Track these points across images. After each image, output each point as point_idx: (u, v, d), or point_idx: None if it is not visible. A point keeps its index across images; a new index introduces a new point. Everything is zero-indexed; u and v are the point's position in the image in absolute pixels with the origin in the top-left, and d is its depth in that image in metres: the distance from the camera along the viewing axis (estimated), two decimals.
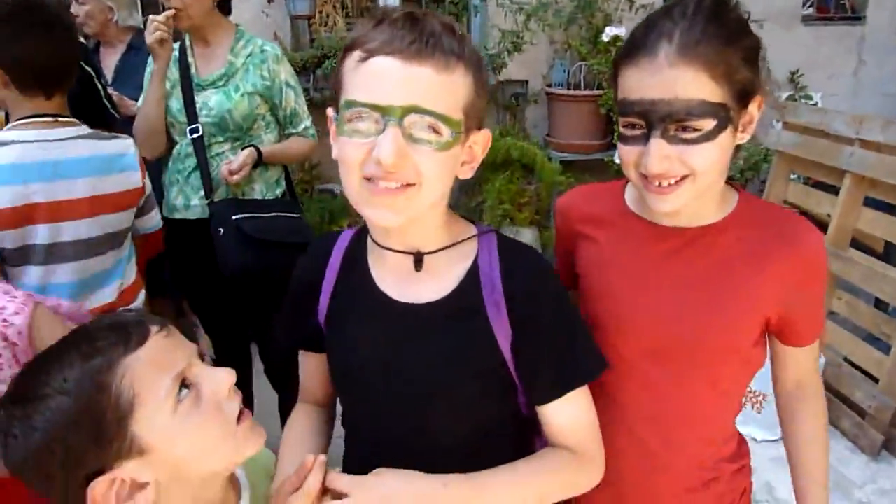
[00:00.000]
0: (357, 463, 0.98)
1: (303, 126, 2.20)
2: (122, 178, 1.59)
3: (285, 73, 2.12)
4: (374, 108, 0.79)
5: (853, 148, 2.78)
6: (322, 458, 0.86)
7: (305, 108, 2.21)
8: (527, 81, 4.33)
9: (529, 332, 0.91)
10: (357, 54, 0.82)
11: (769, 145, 3.41)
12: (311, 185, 4.13)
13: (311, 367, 1.09)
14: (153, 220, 1.80)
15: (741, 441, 1.14)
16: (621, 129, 0.96)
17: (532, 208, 3.94)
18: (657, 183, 0.93)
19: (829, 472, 1.14)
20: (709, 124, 0.89)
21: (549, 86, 4.23)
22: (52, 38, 1.44)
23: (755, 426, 2.57)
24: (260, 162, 2.09)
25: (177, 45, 2.13)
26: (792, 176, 3.32)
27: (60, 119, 1.51)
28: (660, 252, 1.03)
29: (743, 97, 0.92)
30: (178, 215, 2.17)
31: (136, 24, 2.96)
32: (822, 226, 2.93)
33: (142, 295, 1.71)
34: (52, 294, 1.48)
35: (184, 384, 0.80)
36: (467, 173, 0.91)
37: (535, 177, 3.93)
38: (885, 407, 2.56)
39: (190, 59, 2.11)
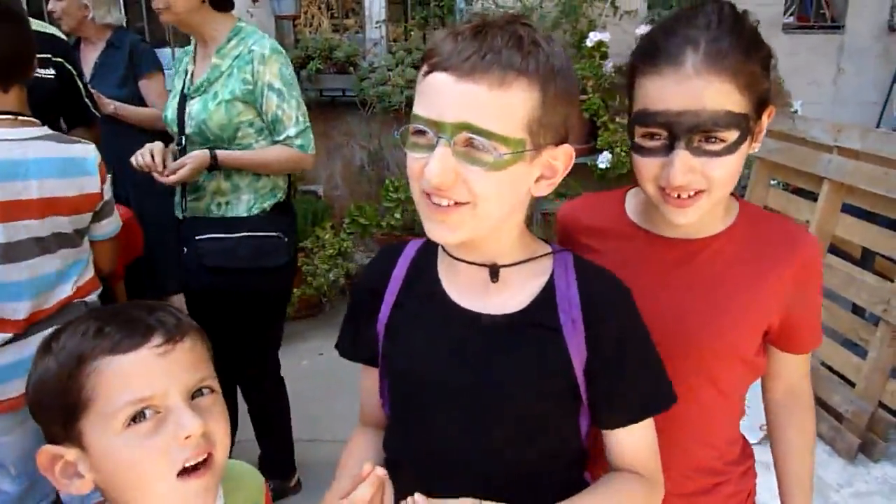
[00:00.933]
0: (402, 490, 0.93)
1: (284, 135, 1.98)
2: (78, 182, 1.57)
3: (270, 74, 1.92)
4: (430, 123, 0.79)
5: (831, 155, 2.82)
6: (381, 471, 0.83)
7: (296, 114, 1.99)
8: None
9: (605, 353, 0.89)
10: (425, 67, 0.81)
11: (749, 152, 3.44)
12: (294, 186, 4.11)
13: (370, 385, 1.05)
14: (109, 226, 1.75)
15: (745, 444, 1.15)
16: (638, 140, 0.93)
17: None
18: (676, 195, 0.92)
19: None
20: (733, 135, 0.88)
21: None
22: (2, 29, 1.44)
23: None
24: (215, 167, 1.94)
25: (192, 48, 2.08)
26: (772, 182, 3.36)
27: (21, 118, 1.52)
28: (664, 263, 1.03)
29: (760, 107, 0.92)
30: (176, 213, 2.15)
31: (114, 21, 2.93)
32: None
33: (94, 295, 1.69)
34: (4, 293, 1.49)
35: (154, 412, 0.77)
36: (544, 190, 0.87)
37: None
38: (862, 411, 2.60)
39: (190, 67, 2.04)
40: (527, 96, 0.79)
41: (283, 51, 2.01)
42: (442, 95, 0.78)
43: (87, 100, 2.20)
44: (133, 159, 1.90)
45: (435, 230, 0.84)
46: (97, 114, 2.23)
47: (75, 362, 0.76)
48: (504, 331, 0.90)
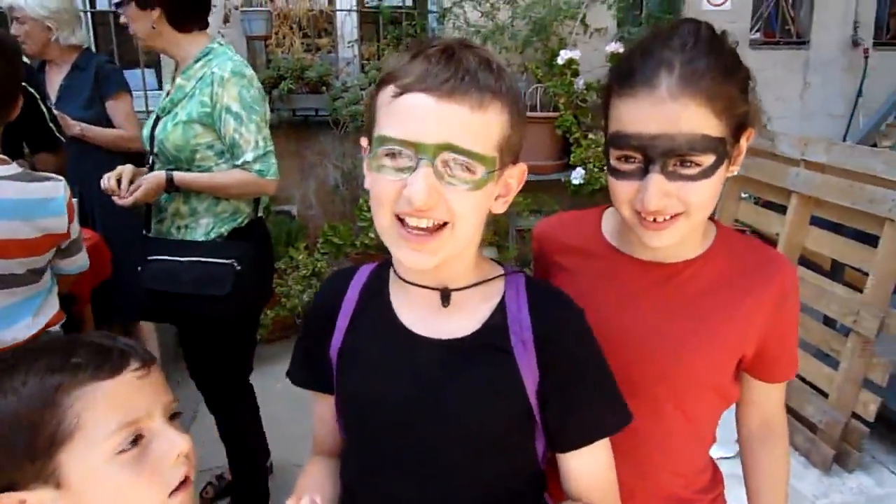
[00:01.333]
0: None
1: (242, 160, 1.93)
2: (45, 223, 1.54)
3: (228, 97, 1.88)
4: (407, 144, 0.78)
5: (798, 169, 2.86)
6: (314, 500, 0.81)
7: (255, 138, 1.93)
8: None
9: (558, 374, 0.89)
10: (391, 89, 0.80)
11: None
12: (267, 206, 4.08)
13: (323, 412, 1.04)
14: (76, 262, 1.73)
15: (715, 471, 1.13)
16: (613, 163, 0.92)
17: (490, 229, 3.96)
18: (652, 219, 0.90)
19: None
20: (709, 160, 0.86)
21: None
22: None
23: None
24: (172, 188, 1.92)
25: None
26: (743, 195, 3.39)
27: None
28: (638, 286, 1.01)
29: (738, 130, 0.90)
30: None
31: (78, 42, 2.89)
32: (772, 244, 3.00)
33: (57, 326, 1.66)
34: None
35: (138, 435, 0.77)
36: (500, 207, 0.89)
37: None
38: (836, 422, 2.62)
39: (167, 87, 2.06)
40: (500, 118, 0.81)
41: (248, 73, 1.97)
42: (420, 117, 0.78)
43: (51, 124, 2.17)
44: (102, 181, 1.89)
45: (410, 257, 0.83)
46: (61, 138, 2.19)
47: (51, 395, 0.74)
48: (456, 354, 0.89)
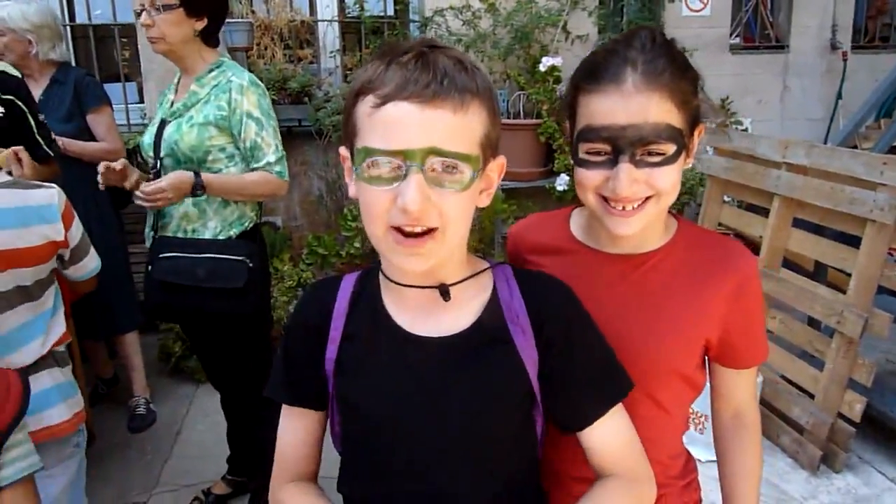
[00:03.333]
0: None
1: (265, 161, 2.03)
2: (42, 230, 1.51)
3: (249, 103, 1.99)
4: (395, 154, 0.78)
5: (780, 171, 2.88)
6: None
7: (274, 142, 2.04)
8: None
9: (557, 353, 0.91)
10: (370, 99, 0.80)
11: (703, 170, 3.51)
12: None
13: (306, 430, 1.00)
14: (86, 267, 1.73)
15: (688, 458, 1.16)
16: (582, 155, 0.97)
17: (476, 236, 3.95)
18: (621, 207, 0.95)
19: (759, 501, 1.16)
20: (671, 148, 0.93)
21: None
22: None
23: (700, 447, 2.57)
24: (198, 189, 1.95)
25: (171, 85, 2.14)
26: (726, 199, 3.41)
27: None
28: (605, 278, 1.05)
29: (692, 125, 0.97)
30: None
31: (58, 58, 2.87)
32: (755, 247, 3.02)
33: (62, 346, 1.63)
34: None
35: None
36: (485, 201, 0.90)
37: None
38: (822, 422, 2.63)
39: (170, 96, 2.10)
40: (479, 116, 0.83)
41: (262, 85, 2.08)
42: (405, 125, 0.78)
43: (39, 137, 2.14)
44: (100, 168, 1.95)
45: (408, 262, 0.84)
46: (49, 152, 2.17)
47: None
48: (456, 352, 0.90)
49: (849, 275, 2.59)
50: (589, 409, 0.93)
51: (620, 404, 0.94)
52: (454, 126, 0.79)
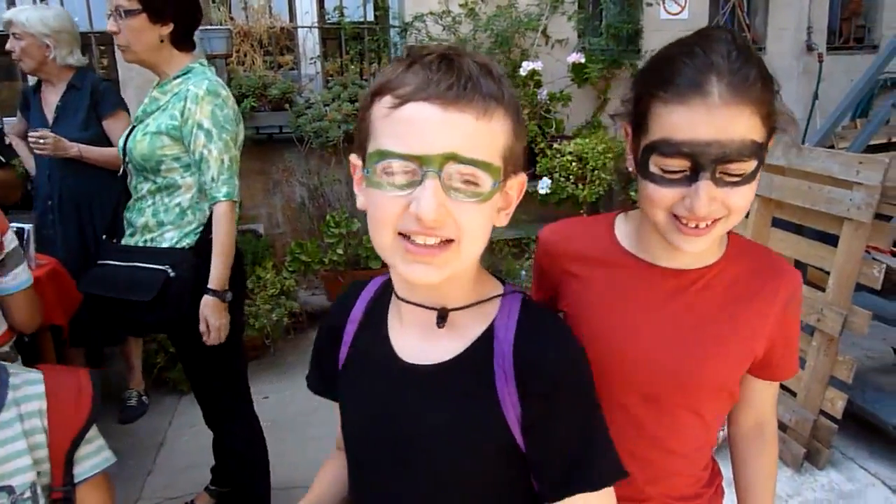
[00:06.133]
0: None
1: (210, 175, 1.94)
2: None
3: (201, 114, 1.91)
4: (411, 158, 0.73)
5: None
6: None
7: (223, 156, 1.94)
8: None
9: (541, 411, 0.81)
10: (388, 100, 0.74)
11: None
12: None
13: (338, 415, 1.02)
14: (16, 279, 1.67)
15: (714, 464, 1.14)
16: (654, 169, 0.89)
17: None
18: (694, 224, 0.89)
19: None
20: (752, 165, 0.86)
21: None
22: None
23: None
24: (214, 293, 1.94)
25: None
26: None
27: None
28: (660, 294, 1.00)
29: (769, 137, 0.90)
30: None
31: (76, 63, 2.88)
32: None
33: (6, 346, 1.63)
34: None
35: None
36: (503, 220, 0.84)
37: None
38: (805, 420, 2.65)
39: (146, 99, 2.08)
40: (504, 126, 0.77)
41: (223, 93, 1.98)
42: (424, 127, 0.73)
43: None
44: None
45: (417, 272, 0.77)
46: (2, 160, 2.16)
47: None
48: (438, 380, 0.85)
49: (828, 273, 2.62)
50: (557, 485, 0.83)
51: (605, 491, 0.84)
52: (475, 132, 0.74)
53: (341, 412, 0.97)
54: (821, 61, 5.04)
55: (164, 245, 2.00)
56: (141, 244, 2.02)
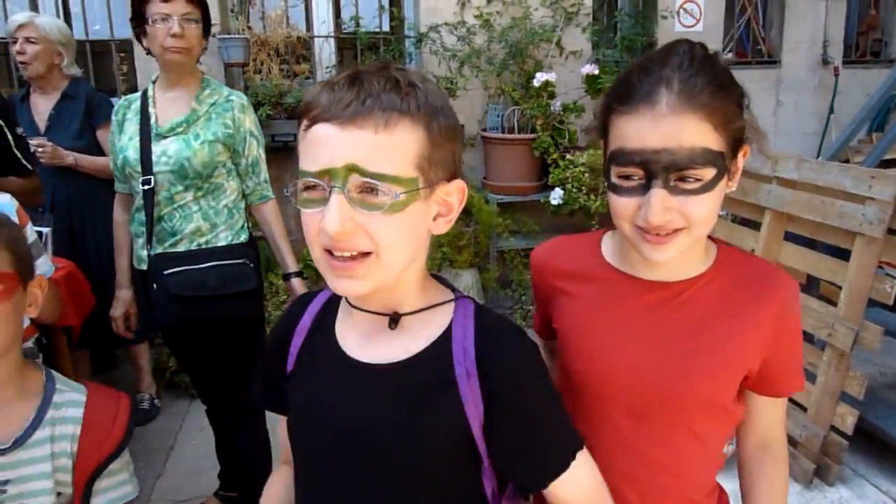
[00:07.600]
0: None
1: (262, 177, 2.20)
2: None
3: (250, 122, 2.14)
4: (319, 174, 0.77)
5: (771, 185, 2.90)
6: None
7: (264, 160, 2.21)
8: (462, 126, 4.40)
9: (505, 412, 0.85)
10: (304, 122, 0.80)
11: None
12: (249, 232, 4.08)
13: (285, 428, 1.02)
14: (39, 269, 1.70)
15: (721, 492, 1.12)
16: (614, 180, 0.92)
17: (471, 251, 3.97)
18: (655, 233, 0.90)
19: None
20: (709, 173, 0.87)
21: (484, 130, 4.31)
22: None
23: None
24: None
25: (138, 95, 2.15)
26: (721, 213, 3.43)
27: None
28: (643, 307, 1.00)
29: (735, 146, 0.91)
30: (137, 266, 2.20)
31: (75, 73, 2.95)
32: None
33: (30, 342, 1.67)
34: None
35: None
36: (442, 227, 0.86)
37: (473, 219, 3.97)
38: (815, 435, 2.63)
39: (151, 110, 2.11)
40: (412, 135, 0.79)
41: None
42: (327, 145, 0.77)
43: (17, 151, 2.16)
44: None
45: (339, 284, 0.82)
46: (28, 166, 2.19)
47: None
48: (393, 379, 0.87)
49: (840, 287, 2.61)
50: (544, 470, 0.88)
51: (581, 454, 0.89)
52: (377, 145, 0.76)
53: (289, 421, 0.98)
54: (836, 75, 5.02)
55: (221, 244, 2.11)
56: (195, 248, 2.09)
